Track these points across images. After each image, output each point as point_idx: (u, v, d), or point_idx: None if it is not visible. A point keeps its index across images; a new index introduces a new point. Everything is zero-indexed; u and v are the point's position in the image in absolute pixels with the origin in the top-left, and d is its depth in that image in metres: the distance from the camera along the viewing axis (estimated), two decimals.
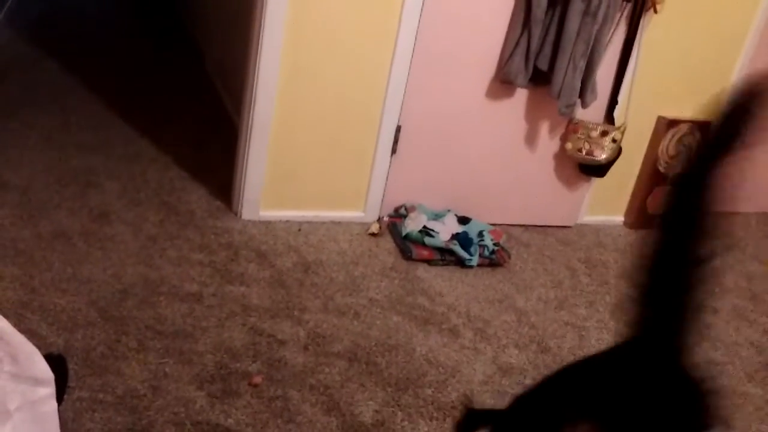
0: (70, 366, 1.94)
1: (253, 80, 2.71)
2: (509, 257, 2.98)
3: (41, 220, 2.61)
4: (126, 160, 3.19)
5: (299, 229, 2.92)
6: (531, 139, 3.18)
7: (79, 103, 3.67)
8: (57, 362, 1.84)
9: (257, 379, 2.05)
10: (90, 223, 2.65)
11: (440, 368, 2.26)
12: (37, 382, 1.10)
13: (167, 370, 2.03)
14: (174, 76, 4.44)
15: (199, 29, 5.08)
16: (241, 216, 2.91)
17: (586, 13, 2.80)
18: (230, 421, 1.90)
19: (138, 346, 2.10)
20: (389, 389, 2.13)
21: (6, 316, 2.07)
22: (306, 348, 2.23)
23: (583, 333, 2.61)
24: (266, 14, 2.59)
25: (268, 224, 2.91)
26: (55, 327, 2.11)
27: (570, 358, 2.44)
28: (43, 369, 1.11)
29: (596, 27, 2.84)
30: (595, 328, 2.66)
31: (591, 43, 2.87)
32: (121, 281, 2.37)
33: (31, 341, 1.18)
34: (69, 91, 3.81)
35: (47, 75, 3.99)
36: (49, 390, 1.12)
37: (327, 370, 2.15)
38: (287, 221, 2.95)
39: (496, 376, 2.27)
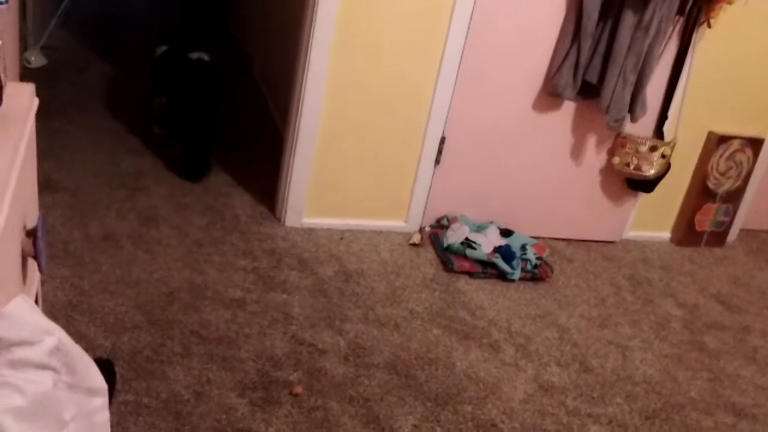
0: (116, 369, 1.98)
1: (301, 90, 2.74)
2: (552, 272, 2.95)
3: (91, 222, 2.68)
4: (173, 164, 3.24)
5: (341, 238, 2.93)
6: (577, 152, 3.14)
7: (130, 107, 3.75)
8: (105, 367, 1.89)
9: (298, 389, 2.07)
10: (138, 226, 2.71)
11: (480, 384, 2.25)
12: (92, 392, 1.13)
13: (210, 376, 2.05)
14: None
15: (246, 35, 5.14)
16: (284, 222, 2.94)
17: (638, 26, 2.75)
18: (271, 430, 1.92)
19: (182, 351, 2.13)
20: (429, 404, 2.12)
21: (55, 318, 2.13)
22: (346, 359, 2.24)
23: (627, 353, 2.56)
24: (315, 27, 2.61)
25: (310, 231, 2.93)
26: (102, 329, 2.16)
27: (613, 379, 2.40)
28: (97, 380, 1.13)
29: (648, 41, 2.79)
30: (639, 348, 2.61)
31: (642, 57, 2.82)
32: (168, 285, 2.41)
33: (79, 343, 1.21)
34: (120, 94, 3.90)
35: (99, 77, 4.09)
36: (103, 400, 1.15)
37: (367, 381, 2.16)
38: (329, 229, 2.97)
39: (537, 395, 2.25)
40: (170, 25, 3.46)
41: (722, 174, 3.41)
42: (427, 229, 3.08)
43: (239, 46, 5.25)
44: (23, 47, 3.91)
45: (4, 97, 1.23)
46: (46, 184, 2.83)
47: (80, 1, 5.54)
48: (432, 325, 2.49)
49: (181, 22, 3.55)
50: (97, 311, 2.23)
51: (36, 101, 1.38)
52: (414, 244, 2.98)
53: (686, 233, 3.49)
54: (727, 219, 3.55)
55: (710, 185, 3.41)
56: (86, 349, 1.28)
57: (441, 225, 3.08)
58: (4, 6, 1.20)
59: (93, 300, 2.28)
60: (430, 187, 3.04)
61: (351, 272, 2.71)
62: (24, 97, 1.33)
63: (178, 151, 3.18)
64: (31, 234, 1.24)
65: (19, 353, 1.02)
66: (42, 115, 1.43)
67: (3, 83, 1.23)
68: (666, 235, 3.53)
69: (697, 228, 3.50)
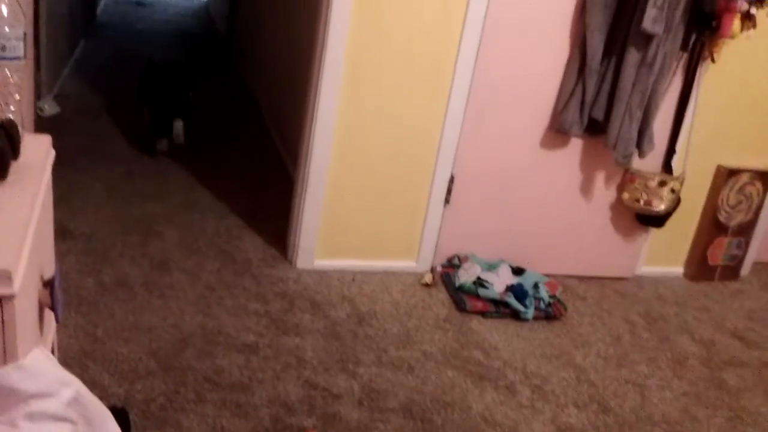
0: (131, 417, 1.97)
1: (310, 133, 2.77)
2: (566, 310, 2.92)
3: (104, 269, 2.69)
4: (185, 208, 3.27)
5: (353, 279, 2.93)
6: (586, 188, 3.14)
7: (141, 153, 3.80)
8: (120, 416, 1.87)
9: None
10: (151, 271, 2.72)
11: (497, 428, 2.21)
12: None
13: (224, 423, 2.03)
14: (231, 124, 4.57)
15: (255, 80, 5.23)
16: (295, 265, 2.94)
17: (642, 63, 2.78)
18: None
19: (196, 398, 2.11)
20: None
21: (69, 366, 2.13)
22: (361, 403, 2.22)
23: (645, 392, 2.52)
24: (323, 71, 2.66)
25: (322, 273, 2.93)
26: (116, 377, 2.15)
27: (632, 419, 2.36)
28: None
29: (653, 77, 2.82)
30: (657, 386, 2.57)
31: (648, 93, 2.85)
32: (181, 331, 2.41)
33: (93, 391, 1.21)
34: (132, 141, 3.95)
35: (111, 125, 4.15)
36: None
37: (382, 426, 2.13)
38: (341, 270, 2.96)
39: None
40: (153, 59, 4.01)
41: (733, 207, 3.40)
42: (439, 268, 3.08)
43: (248, 90, 5.33)
44: (37, 96, 3.98)
45: (22, 149, 1.25)
46: (59, 232, 2.85)
47: (92, 50, 5.66)
48: (446, 366, 2.47)
49: (166, 59, 4.19)
50: (110, 358, 2.22)
51: (53, 153, 1.40)
52: (426, 285, 2.98)
53: (699, 268, 3.47)
54: (739, 252, 3.53)
55: (721, 219, 3.40)
56: (100, 397, 1.28)
57: (452, 264, 3.07)
58: (22, 62, 1.23)
59: (106, 347, 2.27)
60: (440, 226, 3.04)
61: (363, 314, 2.70)
62: (41, 149, 1.35)
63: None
64: (48, 285, 1.25)
65: (37, 405, 1.02)
66: (55, 163, 1.44)
67: (21, 136, 1.26)
68: (679, 270, 3.51)
69: (710, 262, 3.47)
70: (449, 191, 2.99)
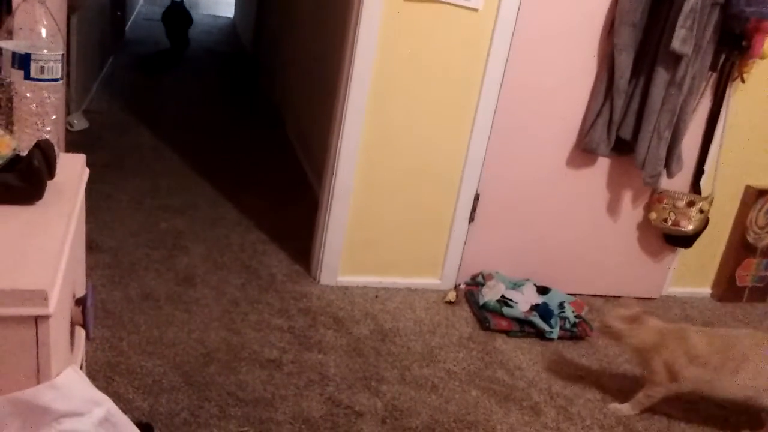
0: None
1: (336, 150, 2.78)
2: (591, 330, 2.89)
3: (131, 282, 2.71)
4: (211, 223, 3.30)
5: (376, 296, 2.92)
6: (613, 208, 3.12)
7: (168, 168, 3.84)
8: (146, 431, 1.88)
9: None
10: (176, 286, 2.74)
11: None
12: None
13: None
14: (257, 142, 4.60)
15: (281, 96, 5.27)
16: (319, 281, 2.94)
17: (671, 83, 2.76)
18: None
19: (219, 413, 2.12)
20: None
21: (95, 379, 2.15)
22: (384, 421, 2.21)
23: (672, 415, 2.48)
24: (350, 87, 2.67)
25: (345, 290, 2.93)
26: (141, 391, 2.16)
27: None
28: None
29: (682, 97, 2.80)
30: (685, 409, 2.53)
31: (676, 113, 2.82)
32: (205, 345, 2.42)
33: (117, 405, 1.22)
34: (159, 156, 4.00)
35: (138, 140, 4.21)
36: None
37: None
38: (364, 287, 2.96)
39: None
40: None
41: (762, 228, 3.35)
42: (462, 286, 3.06)
43: (274, 107, 5.38)
44: (67, 112, 4.05)
45: (57, 168, 1.27)
46: (87, 245, 2.88)
47: (120, 66, 5.76)
48: (470, 386, 2.45)
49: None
50: (135, 372, 2.24)
51: (87, 172, 1.42)
52: (449, 302, 2.96)
53: (728, 289, 3.41)
54: None
55: (750, 239, 3.35)
56: (125, 411, 1.29)
57: (476, 282, 3.06)
58: (59, 83, 1.26)
59: (132, 361, 2.29)
60: (465, 244, 3.03)
61: (387, 331, 2.69)
62: (76, 168, 1.37)
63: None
64: (79, 302, 1.26)
65: (69, 424, 1.03)
66: None
67: (57, 156, 1.28)
68: (707, 290, 3.46)
69: (739, 283, 3.42)
70: (474, 209, 2.98)
